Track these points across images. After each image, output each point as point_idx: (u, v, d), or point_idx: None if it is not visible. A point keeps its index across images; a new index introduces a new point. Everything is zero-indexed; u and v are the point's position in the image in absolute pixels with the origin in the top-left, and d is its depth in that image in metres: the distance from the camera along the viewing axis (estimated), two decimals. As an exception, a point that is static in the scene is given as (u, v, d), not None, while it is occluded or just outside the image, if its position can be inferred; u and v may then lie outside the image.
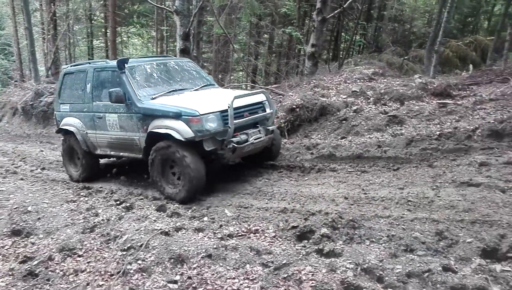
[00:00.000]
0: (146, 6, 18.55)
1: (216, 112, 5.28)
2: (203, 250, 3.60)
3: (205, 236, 3.99)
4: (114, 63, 6.18)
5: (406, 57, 15.16)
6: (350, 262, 3.17)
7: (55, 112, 7.21)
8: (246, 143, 5.48)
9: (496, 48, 13.62)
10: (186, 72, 6.80)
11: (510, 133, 5.48)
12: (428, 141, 5.85)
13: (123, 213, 4.85)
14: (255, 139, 5.59)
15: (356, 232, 3.59)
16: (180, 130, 5.21)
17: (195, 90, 6.29)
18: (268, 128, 5.87)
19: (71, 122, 6.70)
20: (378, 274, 2.98)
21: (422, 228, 3.59)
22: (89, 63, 6.91)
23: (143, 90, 5.83)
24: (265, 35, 18.97)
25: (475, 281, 2.73)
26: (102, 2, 20.09)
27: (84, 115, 6.53)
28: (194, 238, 3.94)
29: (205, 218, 4.51)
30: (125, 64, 5.97)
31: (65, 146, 7.01)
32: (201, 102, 5.51)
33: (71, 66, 7.13)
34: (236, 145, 5.36)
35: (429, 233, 3.44)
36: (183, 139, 5.17)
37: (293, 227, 3.86)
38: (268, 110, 5.96)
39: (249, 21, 16.59)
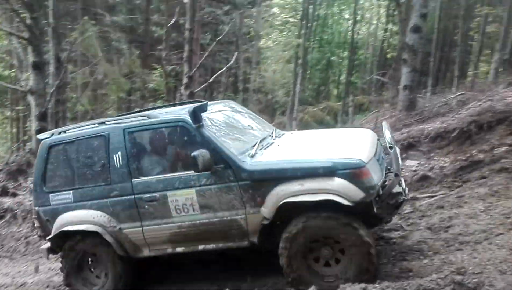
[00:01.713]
0: (-1, 85, 17.07)
1: (371, 157, 3.86)
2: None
3: None
4: (167, 115, 4.37)
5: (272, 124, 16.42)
6: None
7: (36, 208, 4.65)
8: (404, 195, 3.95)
9: (344, 111, 15.64)
10: (246, 115, 5.14)
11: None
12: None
13: None
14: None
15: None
16: (344, 191, 3.60)
17: (277, 137, 4.74)
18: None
19: (84, 218, 4.40)
20: None
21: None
22: (104, 123, 4.59)
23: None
24: (136, 108, 18.85)
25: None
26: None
27: (112, 202, 4.33)
28: None
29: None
30: (202, 114, 4.14)
31: (71, 258, 4.60)
32: (328, 148, 4.15)
33: (59, 133, 4.70)
34: (404, 198, 3.92)
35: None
36: (350, 204, 3.59)
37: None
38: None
39: (118, 96, 16.32)
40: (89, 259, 4.69)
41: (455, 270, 3.34)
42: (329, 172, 3.67)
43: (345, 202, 3.59)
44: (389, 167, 4.37)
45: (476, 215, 4.84)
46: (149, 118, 4.37)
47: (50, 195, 4.55)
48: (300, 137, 4.97)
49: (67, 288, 4.82)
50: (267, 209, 3.84)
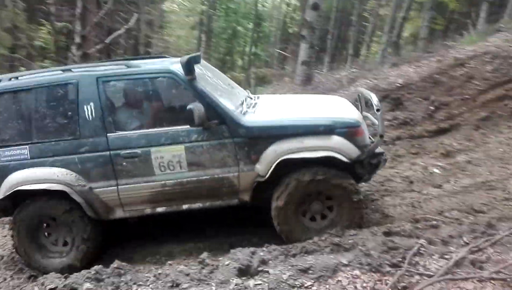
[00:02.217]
0: None
1: (361, 118, 4.05)
2: None
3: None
4: (150, 65, 4.03)
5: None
6: (117, 313, 2.98)
7: None
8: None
9: (247, 82, 15.87)
10: (221, 75, 4.84)
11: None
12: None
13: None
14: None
15: (122, 279, 3.43)
16: (343, 148, 3.74)
17: (257, 98, 4.56)
18: None
19: (46, 176, 3.87)
20: (144, 319, 2.89)
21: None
22: (70, 70, 4.05)
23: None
24: (22, 68, 16.90)
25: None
26: None
27: (81, 158, 3.88)
28: None
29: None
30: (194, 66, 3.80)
31: (25, 224, 4.01)
32: (319, 109, 4.20)
33: (9, 79, 4.06)
34: (384, 157, 4.01)
35: (192, 264, 3.59)
36: (348, 161, 3.74)
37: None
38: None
39: (-1, 53, 14.44)
40: (46, 224, 4.14)
41: (334, 233, 3.67)
42: (329, 130, 3.78)
43: (344, 159, 3.74)
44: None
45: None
46: (128, 66, 3.97)
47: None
48: (282, 100, 4.92)
49: (19, 258, 4.25)
50: (262, 167, 3.81)
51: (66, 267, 3.96)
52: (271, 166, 3.77)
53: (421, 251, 3.32)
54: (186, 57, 3.75)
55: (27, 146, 3.90)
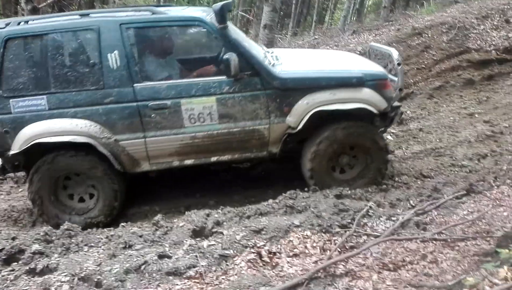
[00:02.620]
0: None
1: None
2: None
3: None
4: (178, 12, 3.92)
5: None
6: (66, 275, 2.92)
7: None
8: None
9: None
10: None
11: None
12: None
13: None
14: None
15: (73, 240, 3.37)
16: (373, 100, 3.84)
17: (275, 52, 4.34)
18: None
19: (68, 128, 3.62)
20: (96, 280, 2.85)
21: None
22: (87, 15, 3.81)
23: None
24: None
25: (186, 261, 2.97)
26: None
27: (106, 110, 3.67)
28: None
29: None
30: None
31: (45, 179, 3.75)
32: (345, 62, 4.32)
33: (18, 24, 3.71)
34: (401, 111, 4.18)
35: (146, 226, 3.58)
36: (377, 112, 3.86)
37: None
38: None
39: None
40: (66, 179, 3.90)
41: (288, 195, 3.74)
42: (361, 82, 3.83)
43: (374, 111, 3.85)
44: None
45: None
46: (153, 13, 3.76)
47: (11, 100, 3.61)
48: (300, 53, 4.92)
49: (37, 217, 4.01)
50: (294, 119, 3.82)
51: (90, 223, 3.83)
52: (303, 118, 3.79)
53: (369, 213, 3.45)
54: (219, 4, 3.57)
55: (45, 96, 3.62)
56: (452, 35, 7.77)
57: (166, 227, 3.43)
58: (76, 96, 3.65)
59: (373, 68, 4.12)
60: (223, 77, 3.69)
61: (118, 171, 3.84)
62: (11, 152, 3.65)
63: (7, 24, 3.68)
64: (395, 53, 4.10)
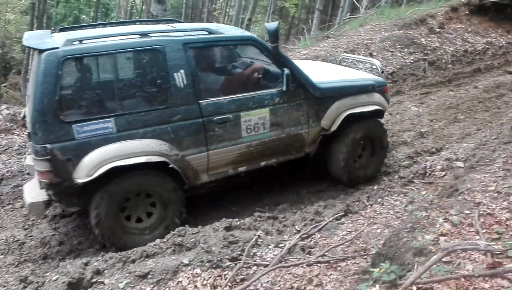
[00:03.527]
0: None
1: None
2: None
3: None
4: (231, 32, 4.30)
5: (4, 84, 13.92)
6: None
7: (48, 146, 3.25)
8: None
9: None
10: None
11: None
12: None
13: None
14: None
15: None
16: (382, 102, 4.81)
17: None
18: None
19: (139, 148, 3.51)
20: None
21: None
22: (147, 35, 3.68)
23: None
24: None
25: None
26: None
27: (174, 127, 3.68)
28: None
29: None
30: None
31: (112, 203, 3.53)
32: (349, 73, 5.14)
33: (78, 42, 3.39)
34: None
35: (13, 281, 3.13)
36: (384, 112, 5.00)
37: None
38: None
39: None
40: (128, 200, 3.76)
41: (176, 233, 3.60)
42: (373, 88, 4.71)
43: (383, 110, 4.87)
44: None
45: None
46: (210, 33, 4.01)
47: (74, 125, 3.37)
48: (314, 66, 5.45)
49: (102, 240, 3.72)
50: (327, 122, 4.48)
51: (158, 237, 3.65)
52: (335, 120, 4.50)
53: (258, 243, 3.49)
54: (273, 25, 4.00)
55: (112, 119, 3.48)
56: (326, 67, 8.50)
57: (37, 282, 3.03)
58: (145, 116, 3.61)
59: (374, 77, 4.95)
60: (275, 90, 4.15)
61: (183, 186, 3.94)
62: (80, 181, 3.42)
63: (57, 45, 3.37)
64: (377, 63, 5.20)
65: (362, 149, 4.89)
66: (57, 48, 3.33)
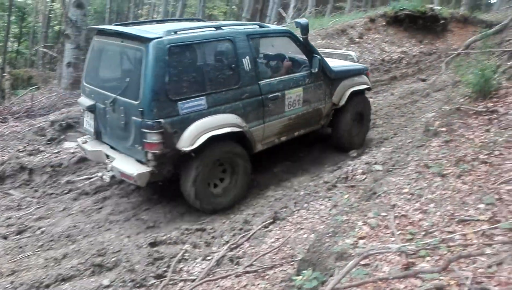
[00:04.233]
0: None
1: None
2: None
3: None
4: (273, 27, 5.96)
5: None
6: None
7: (161, 120, 3.83)
8: None
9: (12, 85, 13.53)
10: None
11: (12, 174, 5.43)
12: None
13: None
14: None
15: None
16: (368, 82, 6.06)
17: None
18: None
19: (223, 121, 4.26)
20: None
21: None
22: (220, 28, 4.54)
23: None
24: None
25: None
26: None
27: (243, 104, 4.47)
28: None
29: None
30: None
31: (204, 169, 4.22)
32: (343, 61, 6.37)
33: (178, 32, 4.11)
34: None
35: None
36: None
37: None
38: None
39: None
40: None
41: (95, 252, 3.39)
42: (363, 72, 6.02)
43: (370, 88, 6.27)
44: None
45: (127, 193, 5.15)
46: (260, 27, 5.06)
47: (179, 103, 4.01)
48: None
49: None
50: (337, 98, 5.58)
51: (233, 201, 4.57)
52: (342, 96, 5.62)
53: (185, 257, 3.39)
54: (305, 21, 5.11)
55: (204, 97, 4.17)
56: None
57: None
58: (225, 95, 4.35)
59: (360, 64, 6.49)
60: (305, 73, 5.16)
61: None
62: (186, 149, 4.01)
63: (157, 35, 3.95)
64: (353, 54, 6.62)
65: (357, 121, 5.97)
66: (161, 37, 3.92)
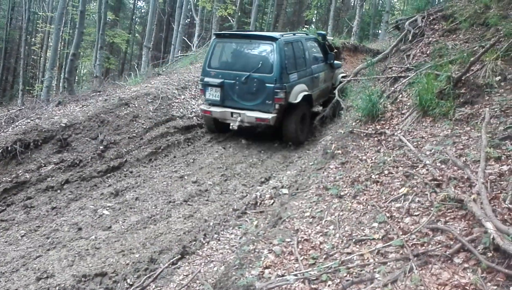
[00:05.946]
0: None
1: None
2: None
3: None
4: (309, 34, 9.72)
5: None
6: None
7: (286, 85, 7.06)
8: None
9: None
10: None
11: None
12: None
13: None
14: None
15: None
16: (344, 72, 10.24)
17: None
18: None
19: (303, 88, 7.53)
20: None
21: None
22: (293, 34, 8.39)
23: None
24: None
25: None
26: None
27: (307, 79, 7.82)
28: None
29: None
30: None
31: (299, 114, 7.41)
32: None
33: (283, 35, 7.53)
34: None
35: None
36: None
37: None
38: None
39: None
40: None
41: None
42: (340, 66, 10.26)
43: (346, 75, 9.68)
44: None
45: (16, 240, 4.61)
46: (307, 34, 9.38)
47: (290, 75, 7.24)
48: None
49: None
50: (334, 80, 9.29)
51: (304, 140, 7.71)
52: (337, 80, 9.23)
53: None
54: (323, 32, 10.17)
55: (296, 73, 7.48)
56: (157, 104, 8.38)
57: None
58: (302, 73, 7.71)
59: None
60: (323, 63, 8.85)
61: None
62: (294, 101, 7.24)
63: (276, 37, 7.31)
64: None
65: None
66: (280, 38, 7.19)
